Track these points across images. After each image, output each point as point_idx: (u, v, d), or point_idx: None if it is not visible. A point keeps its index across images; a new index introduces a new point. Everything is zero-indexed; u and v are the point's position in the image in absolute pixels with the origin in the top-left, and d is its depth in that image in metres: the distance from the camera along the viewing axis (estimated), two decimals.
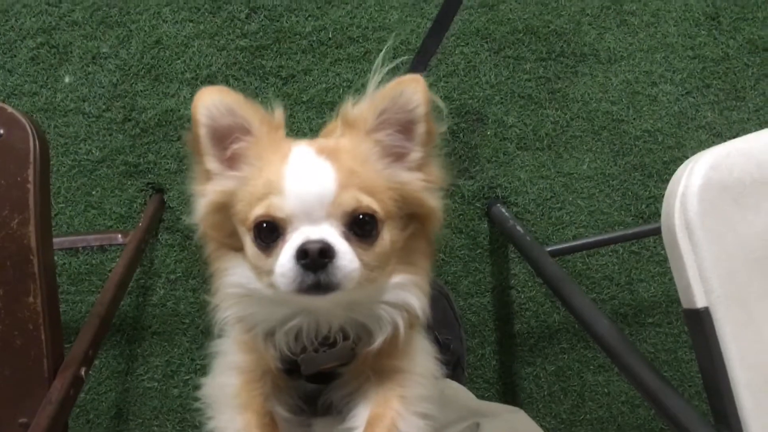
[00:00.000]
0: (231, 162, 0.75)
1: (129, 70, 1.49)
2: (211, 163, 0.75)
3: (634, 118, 1.56)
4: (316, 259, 0.67)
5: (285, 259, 0.69)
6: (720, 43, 1.60)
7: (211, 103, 0.72)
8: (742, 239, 0.82)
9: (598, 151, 1.54)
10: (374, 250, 0.72)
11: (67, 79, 1.48)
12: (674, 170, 0.84)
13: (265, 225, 0.71)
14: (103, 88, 1.48)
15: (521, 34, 1.57)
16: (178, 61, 1.50)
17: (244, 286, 0.77)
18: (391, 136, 0.75)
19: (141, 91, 1.49)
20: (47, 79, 1.48)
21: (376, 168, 0.74)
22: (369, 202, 0.71)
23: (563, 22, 1.58)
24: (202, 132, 0.73)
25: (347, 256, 0.69)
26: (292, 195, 0.70)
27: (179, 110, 1.48)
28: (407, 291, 0.77)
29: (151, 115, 1.48)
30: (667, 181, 0.84)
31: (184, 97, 1.49)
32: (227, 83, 1.50)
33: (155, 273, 1.44)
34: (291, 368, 0.82)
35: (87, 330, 0.96)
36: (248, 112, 0.74)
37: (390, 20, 1.56)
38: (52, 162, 1.45)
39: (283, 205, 0.69)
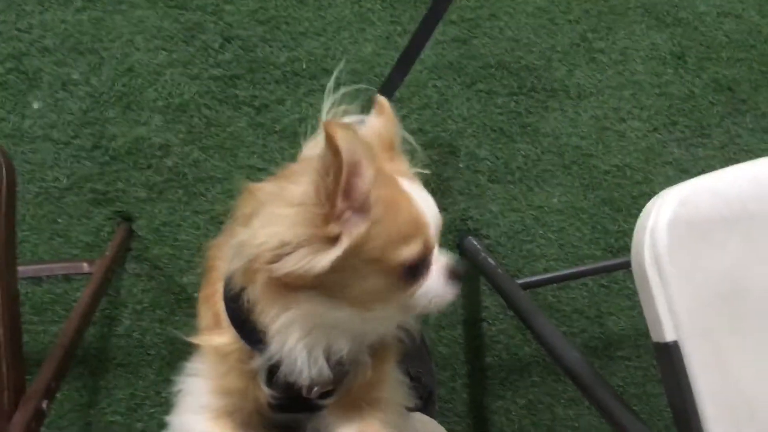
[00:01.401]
0: (357, 202, 0.70)
1: (100, 97, 1.48)
2: (341, 204, 0.68)
3: (603, 153, 1.58)
4: (461, 274, 0.78)
5: (437, 281, 0.77)
6: (686, 82, 1.64)
7: (349, 140, 0.65)
8: (710, 275, 0.83)
9: (568, 185, 1.56)
10: None
11: (35, 106, 1.46)
12: (643, 205, 0.85)
13: (419, 261, 0.74)
14: (73, 114, 1.46)
15: (493, 69, 1.60)
16: (150, 89, 1.49)
17: (322, 318, 0.75)
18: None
19: (111, 118, 1.47)
20: (15, 105, 1.46)
21: None
22: None
23: (534, 58, 1.61)
24: (345, 173, 0.66)
25: None
26: (433, 226, 0.76)
27: (150, 138, 1.47)
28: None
29: (121, 143, 1.46)
30: (636, 215, 0.85)
31: (156, 125, 1.47)
32: (200, 112, 1.49)
33: (121, 303, 1.41)
34: (280, 403, 0.81)
35: (50, 361, 0.94)
36: (367, 149, 0.69)
37: (364, 53, 1.57)
38: (17, 189, 1.42)
39: (432, 238, 0.75)
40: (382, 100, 0.87)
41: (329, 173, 0.66)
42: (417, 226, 0.73)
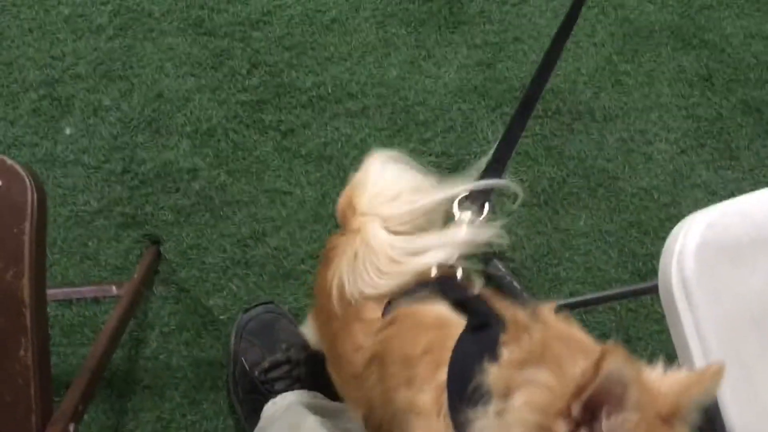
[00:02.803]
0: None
1: (130, 122, 1.51)
2: (576, 410, 0.65)
3: (629, 176, 1.57)
4: None
5: None
6: (713, 104, 1.63)
7: (615, 367, 0.63)
8: (739, 299, 0.82)
9: (594, 207, 1.55)
10: None
11: (67, 131, 1.50)
12: (670, 228, 0.85)
13: None
14: (104, 140, 1.49)
15: (518, 92, 1.60)
16: (179, 114, 1.52)
17: None
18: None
19: (141, 143, 1.50)
20: (48, 131, 1.49)
21: None
22: None
23: (559, 81, 1.61)
24: (593, 387, 0.63)
25: None
26: None
27: (178, 162, 1.49)
28: None
29: (150, 167, 1.48)
30: (664, 238, 0.84)
31: (184, 149, 1.50)
32: (227, 136, 1.51)
33: (148, 325, 1.42)
34: None
35: (77, 384, 0.95)
36: (634, 394, 0.65)
37: (389, 77, 1.59)
38: (49, 213, 1.44)
39: None
40: (721, 364, 0.72)
41: (582, 386, 0.64)
42: None
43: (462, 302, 0.86)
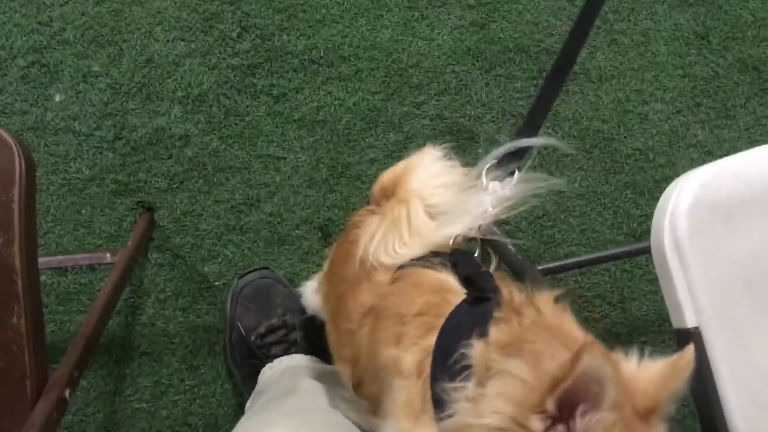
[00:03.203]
0: (572, 425, 0.66)
1: (120, 88, 1.49)
2: (551, 405, 0.64)
3: (625, 137, 1.56)
4: None
5: None
6: (710, 62, 1.61)
7: (593, 364, 0.62)
8: (732, 259, 0.81)
9: (589, 169, 1.54)
10: None
11: (57, 98, 1.48)
12: (665, 188, 0.84)
13: None
14: (94, 106, 1.48)
15: (512, 53, 1.58)
16: (169, 80, 1.50)
17: None
18: None
19: (132, 109, 1.48)
20: (37, 98, 1.47)
21: None
22: None
23: (554, 41, 1.59)
24: (568, 383, 0.63)
25: None
26: None
27: (170, 128, 1.48)
28: None
29: (142, 134, 1.47)
30: (659, 199, 0.83)
31: (175, 115, 1.48)
32: (218, 102, 1.50)
33: (144, 292, 1.43)
34: None
35: (73, 351, 0.95)
36: (611, 394, 0.64)
37: (381, 39, 1.57)
38: (41, 181, 1.44)
39: None
40: (689, 352, 0.71)
41: (557, 379, 0.64)
42: None
43: (469, 276, 0.86)
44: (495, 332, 0.74)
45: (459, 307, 0.82)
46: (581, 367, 0.61)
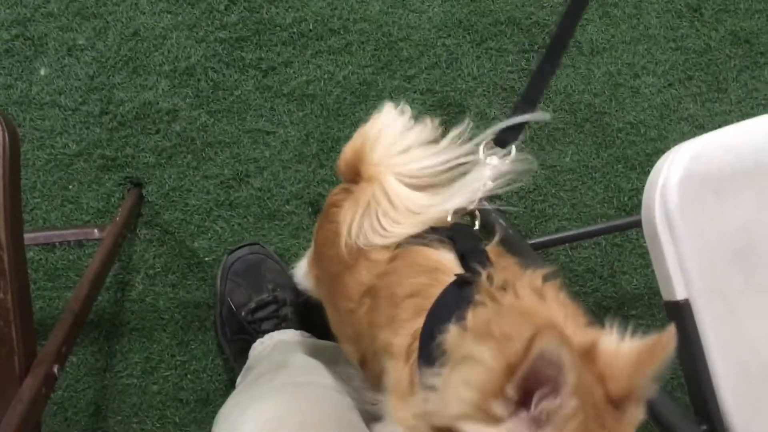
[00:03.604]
0: (532, 410, 0.65)
1: (106, 62, 1.47)
2: (511, 391, 0.63)
3: (616, 110, 1.55)
4: None
5: None
6: (702, 35, 1.60)
7: (550, 346, 0.61)
8: (722, 231, 0.81)
9: (580, 143, 1.54)
10: None
11: (42, 72, 1.46)
12: (657, 162, 0.84)
13: None
14: (80, 80, 1.46)
15: (503, 26, 1.56)
16: (156, 53, 1.48)
17: None
18: None
19: (118, 83, 1.46)
20: (22, 72, 1.45)
21: None
22: None
23: (545, 14, 1.58)
24: (525, 367, 0.62)
25: None
26: None
27: (157, 103, 1.46)
28: None
29: (129, 108, 1.45)
30: (649, 173, 0.83)
31: (162, 89, 1.46)
32: (206, 76, 1.48)
33: (134, 268, 1.42)
34: None
35: (60, 327, 0.95)
36: (571, 377, 0.62)
37: (371, 12, 1.55)
38: (27, 156, 1.42)
39: None
40: (670, 333, 0.68)
41: (513, 364, 0.62)
42: None
43: (464, 253, 0.85)
44: (471, 317, 0.73)
45: (447, 289, 0.81)
46: (535, 351, 0.60)
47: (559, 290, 0.79)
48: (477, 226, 0.95)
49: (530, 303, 0.75)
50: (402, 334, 0.81)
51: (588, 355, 0.67)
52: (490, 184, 0.94)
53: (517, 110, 1.02)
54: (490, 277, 0.78)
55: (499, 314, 0.72)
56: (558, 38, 1.06)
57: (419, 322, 0.79)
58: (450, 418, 0.65)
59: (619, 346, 0.68)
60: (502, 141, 0.99)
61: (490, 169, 0.94)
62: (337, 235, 0.96)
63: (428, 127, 0.99)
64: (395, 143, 0.97)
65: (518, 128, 1.01)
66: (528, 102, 1.08)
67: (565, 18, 1.06)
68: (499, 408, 0.63)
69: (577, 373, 0.61)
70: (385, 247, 0.91)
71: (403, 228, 0.91)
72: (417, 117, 1.00)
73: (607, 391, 0.66)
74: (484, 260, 0.83)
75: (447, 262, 0.86)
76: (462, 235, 0.89)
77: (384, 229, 0.91)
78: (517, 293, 0.76)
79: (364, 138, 0.98)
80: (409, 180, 0.94)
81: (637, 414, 0.67)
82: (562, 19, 1.06)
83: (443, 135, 0.98)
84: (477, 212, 0.95)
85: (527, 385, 0.62)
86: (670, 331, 0.67)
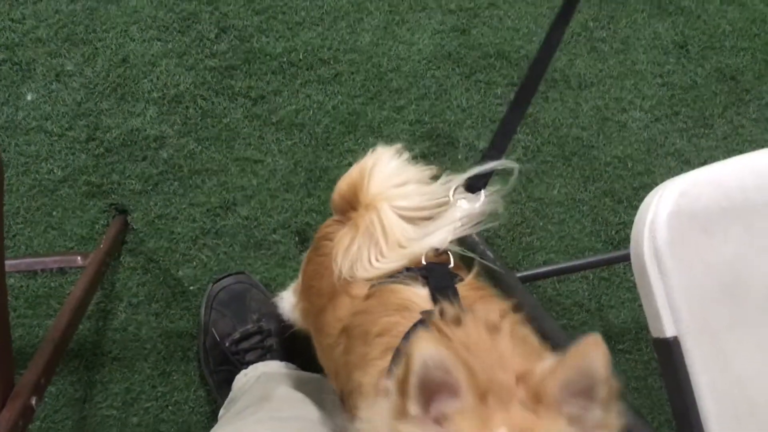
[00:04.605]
0: (435, 418, 0.69)
1: (94, 88, 1.46)
2: (414, 409, 0.68)
3: (604, 144, 1.56)
4: None
5: None
6: (688, 71, 1.62)
7: (428, 354, 0.66)
8: (710, 268, 0.81)
9: (568, 176, 1.54)
10: None
11: (29, 97, 1.45)
12: (644, 196, 0.84)
13: None
14: (67, 106, 1.45)
15: (492, 59, 1.58)
16: (145, 80, 1.48)
17: None
18: (576, 406, 0.71)
19: (106, 109, 1.45)
20: (9, 97, 1.44)
21: None
22: None
23: (534, 48, 1.59)
24: (413, 380, 0.67)
25: None
26: None
27: (145, 129, 1.45)
28: None
29: (116, 135, 1.44)
30: (637, 207, 0.83)
31: (150, 116, 1.46)
32: (195, 103, 1.47)
33: (116, 296, 1.40)
34: None
35: (39, 357, 0.92)
36: (460, 374, 0.67)
37: (361, 42, 1.55)
38: (11, 181, 1.41)
39: None
40: (593, 340, 0.70)
41: (402, 375, 0.67)
42: None
43: (436, 290, 0.87)
44: None
45: (413, 327, 0.82)
46: (415, 362, 0.63)
47: (517, 324, 0.81)
48: (452, 264, 0.96)
49: (478, 337, 0.76)
50: (370, 373, 0.83)
51: (524, 377, 0.69)
52: (459, 226, 0.97)
53: (486, 158, 1.07)
54: (442, 312, 0.79)
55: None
56: (524, 88, 1.09)
57: (387, 361, 0.80)
58: None
59: (548, 363, 0.70)
60: (471, 187, 1.03)
61: (459, 212, 0.98)
62: (326, 268, 0.98)
63: (424, 167, 1.02)
64: (393, 177, 1.00)
65: (487, 175, 1.05)
66: (496, 150, 1.11)
67: (532, 69, 1.08)
68: (409, 426, 0.66)
69: (467, 370, 0.65)
70: (365, 283, 0.93)
71: (386, 262, 0.93)
72: (413, 158, 1.04)
73: (524, 394, 0.68)
74: (452, 296, 0.85)
75: (418, 300, 0.87)
76: (435, 273, 0.91)
77: (371, 263, 0.94)
78: (467, 327, 0.77)
79: (362, 170, 1.01)
80: (401, 212, 0.96)
81: (555, 423, 0.68)
82: (528, 71, 1.09)
83: (437, 175, 1.01)
84: (449, 252, 0.97)
85: (428, 395, 0.66)
86: (588, 340, 0.69)
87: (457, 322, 0.78)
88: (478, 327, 0.77)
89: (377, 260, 0.93)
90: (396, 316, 0.85)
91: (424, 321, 0.82)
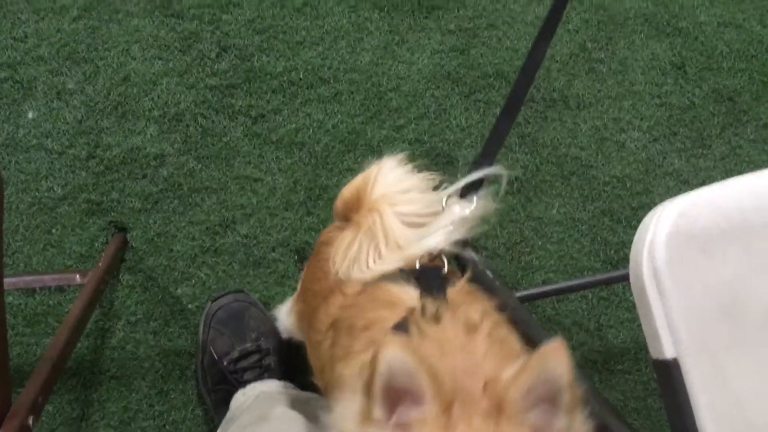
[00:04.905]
0: (398, 424, 0.70)
1: (95, 106, 1.47)
2: (378, 413, 0.69)
3: (602, 164, 1.57)
4: None
5: None
6: (686, 92, 1.63)
7: (395, 358, 0.67)
8: (709, 289, 0.81)
9: (567, 196, 1.54)
10: None
11: (30, 115, 1.45)
12: (642, 216, 0.84)
13: None
14: (68, 124, 1.45)
15: (492, 79, 1.59)
16: (146, 99, 1.48)
17: None
18: (540, 413, 0.71)
19: (107, 128, 1.46)
20: (10, 115, 1.45)
21: None
22: None
23: None
24: (378, 383, 0.68)
25: None
26: None
27: (145, 148, 1.45)
28: None
29: (116, 153, 1.45)
30: (636, 227, 0.83)
31: (151, 134, 1.46)
32: (195, 122, 1.48)
33: (115, 314, 1.39)
34: None
35: (37, 376, 0.92)
36: (425, 382, 0.68)
37: (361, 62, 1.56)
38: (11, 199, 1.41)
39: None
40: (555, 345, 0.70)
41: (368, 378, 0.67)
42: None
43: (425, 290, 0.88)
44: None
45: (398, 324, 0.83)
46: (381, 366, 0.64)
47: (497, 325, 0.82)
48: (446, 269, 0.97)
49: (454, 336, 0.77)
50: (352, 365, 0.84)
51: (491, 383, 0.70)
52: (452, 229, 0.98)
53: (476, 166, 1.08)
54: (423, 309, 0.80)
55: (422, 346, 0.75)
56: (514, 97, 1.10)
57: (370, 354, 0.80)
58: None
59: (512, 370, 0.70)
60: (464, 194, 1.05)
61: (452, 216, 0.99)
62: (324, 272, 1.00)
63: (427, 175, 1.05)
64: (397, 183, 1.02)
65: (478, 182, 1.07)
66: (486, 157, 1.12)
67: (521, 78, 1.10)
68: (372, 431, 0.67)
69: (432, 378, 0.66)
70: (359, 283, 0.94)
71: (384, 265, 0.94)
72: (417, 167, 1.06)
73: (487, 402, 0.68)
74: (439, 296, 0.85)
75: (407, 298, 0.88)
76: (427, 275, 0.92)
77: (368, 265, 0.94)
78: (445, 325, 0.78)
79: (367, 176, 1.03)
80: (403, 217, 0.98)
81: (516, 428, 0.68)
82: (517, 79, 1.11)
83: (438, 185, 1.04)
84: (443, 257, 0.98)
85: (393, 400, 0.67)
86: (559, 342, 0.69)
87: (437, 319, 0.79)
88: (456, 326, 0.78)
89: (374, 262, 0.94)
90: (383, 311, 0.86)
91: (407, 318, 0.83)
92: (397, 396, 0.68)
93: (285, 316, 1.22)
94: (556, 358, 0.69)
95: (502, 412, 0.69)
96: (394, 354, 0.66)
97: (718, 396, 0.80)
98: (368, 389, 0.68)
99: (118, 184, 1.44)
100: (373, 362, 0.65)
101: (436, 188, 1.04)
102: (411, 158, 1.06)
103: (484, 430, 0.68)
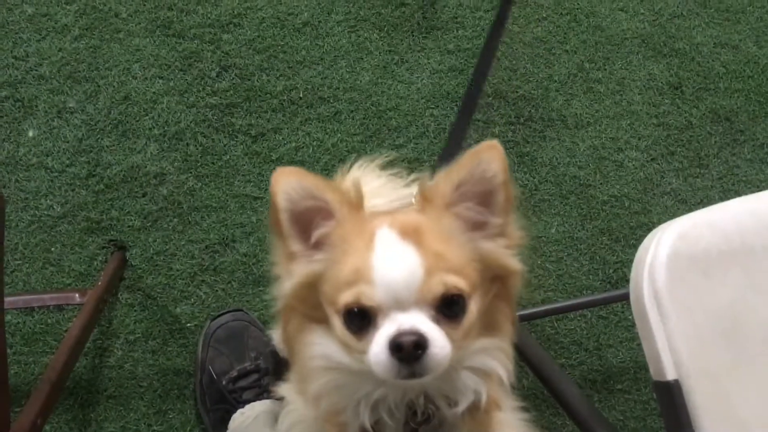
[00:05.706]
0: (316, 244, 0.73)
1: (95, 125, 1.47)
2: (295, 246, 0.72)
3: (601, 183, 1.57)
4: (410, 353, 0.67)
5: (378, 348, 0.68)
6: (683, 112, 1.64)
7: (290, 187, 0.69)
8: (710, 310, 0.81)
9: (566, 215, 1.55)
10: (463, 326, 0.71)
11: (30, 133, 1.46)
12: (641, 235, 0.84)
13: (355, 311, 0.69)
14: (68, 143, 1.46)
15: (490, 99, 1.59)
16: (146, 117, 1.49)
17: (331, 359, 0.75)
18: (471, 208, 0.74)
19: (107, 146, 1.46)
20: (10, 133, 1.45)
21: (459, 243, 0.72)
22: (456, 282, 0.70)
23: (531, 88, 1.61)
24: (284, 217, 0.70)
25: (439, 343, 0.68)
26: (381, 284, 0.68)
27: (145, 166, 1.46)
28: (490, 356, 0.77)
29: (116, 171, 1.45)
30: (635, 246, 0.83)
31: (151, 153, 1.47)
32: (195, 140, 1.49)
33: (113, 333, 1.39)
34: None
35: (36, 397, 0.92)
36: (328, 194, 0.71)
37: (361, 81, 1.57)
38: (10, 217, 1.41)
39: (372, 294, 0.68)
40: (489, 143, 0.73)
41: (273, 219, 0.72)
42: (357, 277, 0.69)
43: None
44: None
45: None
46: (280, 196, 0.68)
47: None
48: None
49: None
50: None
51: (422, 182, 0.75)
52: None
53: (441, 161, 1.13)
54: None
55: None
56: (470, 95, 1.13)
57: None
58: (285, 297, 0.76)
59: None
60: None
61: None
62: None
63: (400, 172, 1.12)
64: (373, 180, 1.08)
65: None
66: (448, 155, 1.15)
67: (475, 75, 1.13)
68: (296, 266, 0.72)
69: (334, 188, 0.70)
70: None
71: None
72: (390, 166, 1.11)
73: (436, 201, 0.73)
74: None
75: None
76: None
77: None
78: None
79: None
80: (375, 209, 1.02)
81: (438, 219, 0.72)
82: (472, 77, 1.14)
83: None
84: None
85: (305, 227, 0.71)
86: (494, 142, 0.72)
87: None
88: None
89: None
90: None
91: None
92: (308, 222, 0.71)
93: (278, 335, 1.21)
94: (489, 156, 0.72)
95: (429, 202, 0.72)
96: (287, 182, 0.69)
97: (721, 418, 0.80)
98: (278, 230, 0.71)
99: (117, 202, 1.44)
100: (272, 200, 0.69)
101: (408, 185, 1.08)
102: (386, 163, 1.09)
103: (405, 214, 0.73)
